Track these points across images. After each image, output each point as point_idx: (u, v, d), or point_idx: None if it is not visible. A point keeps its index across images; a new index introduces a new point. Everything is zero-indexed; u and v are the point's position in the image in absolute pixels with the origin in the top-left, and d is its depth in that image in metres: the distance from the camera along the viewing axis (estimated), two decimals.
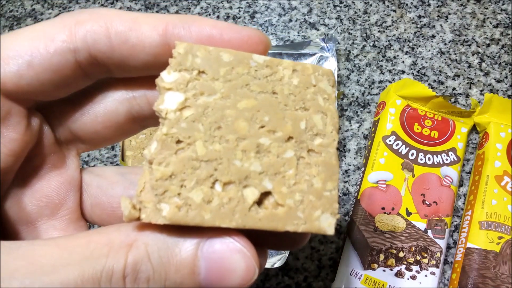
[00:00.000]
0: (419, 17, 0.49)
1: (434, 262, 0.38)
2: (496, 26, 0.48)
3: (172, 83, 0.16)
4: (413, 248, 0.38)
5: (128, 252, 0.15)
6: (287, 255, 0.37)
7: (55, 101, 0.19)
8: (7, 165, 0.18)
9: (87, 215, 0.22)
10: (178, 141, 0.16)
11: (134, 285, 0.15)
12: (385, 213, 0.39)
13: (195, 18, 0.18)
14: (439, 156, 0.41)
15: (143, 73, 0.19)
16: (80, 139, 0.21)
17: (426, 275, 0.38)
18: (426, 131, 0.42)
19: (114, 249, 0.15)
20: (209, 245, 0.16)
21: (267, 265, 0.36)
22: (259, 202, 0.16)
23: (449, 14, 0.49)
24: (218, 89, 0.16)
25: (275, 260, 0.37)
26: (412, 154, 0.41)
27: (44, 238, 0.20)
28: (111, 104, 0.21)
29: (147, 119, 0.21)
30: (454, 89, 0.46)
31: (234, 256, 0.16)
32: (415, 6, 0.49)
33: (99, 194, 0.22)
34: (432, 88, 0.45)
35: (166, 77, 0.16)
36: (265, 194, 0.16)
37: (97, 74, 0.19)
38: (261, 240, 0.18)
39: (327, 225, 0.17)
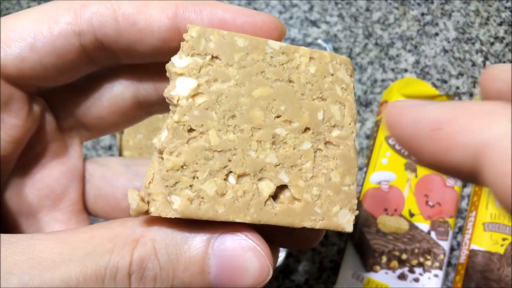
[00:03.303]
0: (422, 14, 0.48)
1: (437, 264, 0.38)
2: (500, 24, 0.47)
3: (184, 68, 0.15)
4: (416, 250, 0.38)
5: (134, 249, 0.14)
6: (285, 254, 0.37)
7: (58, 86, 0.19)
8: (8, 153, 0.17)
9: (90, 207, 0.21)
10: (190, 130, 0.15)
11: (140, 284, 0.14)
12: (387, 214, 0.39)
13: (207, 1, 0.17)
14: None
15: (151, 59, 0.18)
16: (84, 125, 0.20)
17: (429, 278, 0.37)
18: None
19: (119, 245, 0.14)
20: (221, 242, 0.15)
21: None
22: (275, 196, 0.16)
23: (453, 11, 0.48)
24: (232, 75, 0.15)
25: None
26: None
27: (45, 231, 0.20)
28: (117, 89, 0.20)
29: (154, 106, 0.21)
30: (458, 88, 0.45)
31: (247, 254, 0.15)
32: (418, 4, 0.48)
33: (103, 185, 0.21)
34: (435, 87, 0.45)
35: (178, 62, 0.15)
36: (281, 188, 0.16)
37: (102, 59, 0.18)
38: (272, 237, 0.17)
39: (345, 221, 0.16)
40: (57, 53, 0.17)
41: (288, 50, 0.16)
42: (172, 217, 0.14)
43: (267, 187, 0.15)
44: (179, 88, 0.15)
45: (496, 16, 0.48)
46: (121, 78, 0.20)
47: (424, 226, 0.38)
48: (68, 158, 0.20)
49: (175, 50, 0.16)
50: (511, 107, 0.10)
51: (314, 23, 0.48)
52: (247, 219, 0.15)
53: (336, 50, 0.46)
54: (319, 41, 0.45)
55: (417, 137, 0.12)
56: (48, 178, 0.20)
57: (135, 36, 0.17)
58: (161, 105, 0.21)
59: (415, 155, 0.12)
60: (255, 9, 0.49)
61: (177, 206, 0.14)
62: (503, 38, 0.47)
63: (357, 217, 0.38)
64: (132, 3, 0.17)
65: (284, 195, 0.16)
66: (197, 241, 0.15)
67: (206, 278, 0.15)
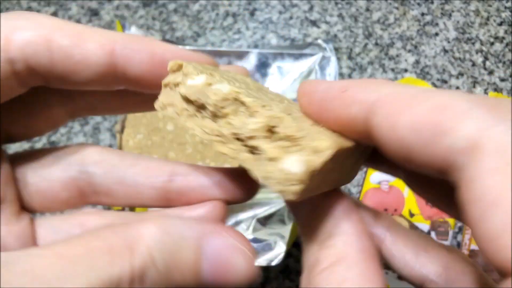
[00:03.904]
0: (422, 14, 0.48)
1: None
2: (500, 24, 0.47)
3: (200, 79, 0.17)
4: None
5: (132, 258, 0.15)
6: (285, 254, 0.37)
7: None
8: None
9: (27, 205, 0.21)
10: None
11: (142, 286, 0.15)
12: (387, 214, 0.39)
13: (145, 39, 0.18)
14: None
15: (84, 87, 0.18)
16: (9, 134, 0.20)
17: None
18: None
19: (116, 256, 0.15)
20: (211, 245, 0.16)
21: (264, 263, 0.35)
22: None
23: (453, 11, 0.48)
24: (225, 80, 0.18)
25: (272, 257, 0.36)
26: None
27: None
28: (45, 98, 0.20)
29: (80, 110, 0.21)
30: (458, 88, 0.45)
31: (236, 256, 0.16)
32: (418, 3, 0.48)
33: (36, 181, 0.21)
34: (435, 87, 0.45)
35: (193, 81, 0.16)
36: None
37: (34, 83, 0.18)
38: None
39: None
40: None
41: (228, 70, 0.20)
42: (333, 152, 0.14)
43: None
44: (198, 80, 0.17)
45: (496, 16, 0.48)
46: (50, 90, 0.20)
47: (424, 226, 0.38)
48: None
49: (108, 83, 0.18)
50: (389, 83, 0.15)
51: (314, 23, 0.48)
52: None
53: (336, 50, 0.46)
54: (319, 41, 0.45)
55: (327, 98, 0.15)
56: None
57: (70, 68, 0.17)
58: (86, 109, 0.21)
59: (322, 114, 0.16)
60: (255, 9, 0.49)
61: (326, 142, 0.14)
62: (503, 38, 0.47)
63: None
64: (68, 35, 0.17)
65: None
66: (189, 248, 0.16)
67: (199, 278, 0.16)
